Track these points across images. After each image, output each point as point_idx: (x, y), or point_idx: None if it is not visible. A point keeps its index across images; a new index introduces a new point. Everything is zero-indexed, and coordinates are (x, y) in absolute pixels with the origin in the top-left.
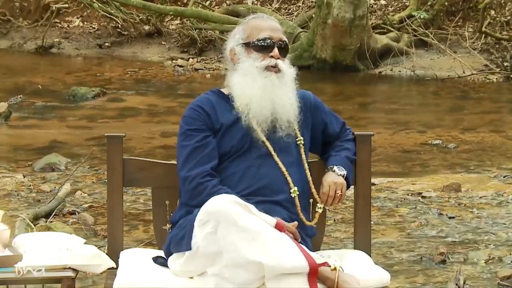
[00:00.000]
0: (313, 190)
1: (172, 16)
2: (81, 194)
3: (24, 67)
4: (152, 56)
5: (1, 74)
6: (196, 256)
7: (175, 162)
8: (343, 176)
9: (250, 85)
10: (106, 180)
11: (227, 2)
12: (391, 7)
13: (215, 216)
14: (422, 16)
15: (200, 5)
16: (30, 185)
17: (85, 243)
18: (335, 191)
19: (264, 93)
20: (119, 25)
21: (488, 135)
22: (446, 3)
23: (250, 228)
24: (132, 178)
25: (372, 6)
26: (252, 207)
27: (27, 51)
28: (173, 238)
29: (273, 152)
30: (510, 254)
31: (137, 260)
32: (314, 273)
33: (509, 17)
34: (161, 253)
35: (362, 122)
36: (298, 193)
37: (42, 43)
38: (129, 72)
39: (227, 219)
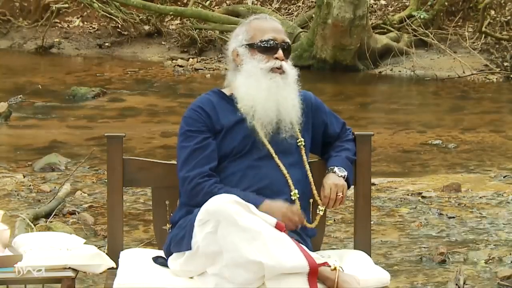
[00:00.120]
0: (315, 192)
1: (172, 16)
2: (81, 194)
3: (24, 67)
4: (152, 56)
5: (1, 74)
6: (196, 255)
7: (175, 162)
8: (343, 177)
9: (255, 87)
10: (106, 180)
11: (227, 2)
12: (391, 7)
13: (215, 216)
14: (422, 16)
15: (200, 5)
16: (30, 185)
17: (85, 243)
18: (336, 193)
19: (269, 94)
20: (119, 25)
21: (488, 135)
22: (446, 3)
23: (250, 227)
24: (132, 178)
25: (372, 6)
26: (252, 206)
27: (27, 51)
28: (173, 238)
29: (274, 154)
30: (510, 254)
31: (137, 260)
32: (314, 273)
33: (509, 17)
34: (161, 253)
35: (362, 122)
36: (298, 195)
37: (42, 43)
38: (129, 72)
39: (227, 219)
